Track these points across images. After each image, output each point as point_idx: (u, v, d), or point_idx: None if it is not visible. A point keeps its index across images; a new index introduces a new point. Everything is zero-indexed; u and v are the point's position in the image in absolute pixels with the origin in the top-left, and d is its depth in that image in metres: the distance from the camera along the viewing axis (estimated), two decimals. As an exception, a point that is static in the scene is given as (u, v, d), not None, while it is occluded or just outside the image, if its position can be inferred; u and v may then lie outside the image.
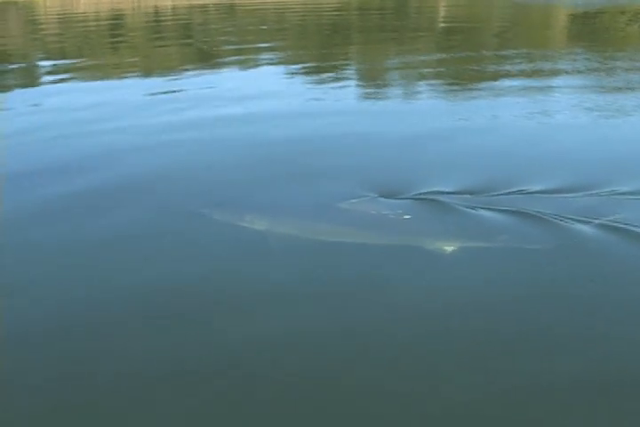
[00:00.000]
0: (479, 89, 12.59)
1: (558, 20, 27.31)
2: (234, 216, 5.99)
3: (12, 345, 4.35)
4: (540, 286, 4.90)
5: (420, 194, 6.43)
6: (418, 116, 10.27)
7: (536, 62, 15.49)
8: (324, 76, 14.43)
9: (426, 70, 14.92)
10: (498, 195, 6.38)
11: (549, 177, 6.91)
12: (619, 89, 12.13)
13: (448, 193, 6.42)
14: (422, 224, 5.85)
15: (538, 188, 6.55)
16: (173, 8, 37.45)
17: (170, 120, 10.14)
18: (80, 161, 8.05)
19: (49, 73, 15.56)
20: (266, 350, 4.22)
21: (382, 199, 6.35)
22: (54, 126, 9.89)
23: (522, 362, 4.07)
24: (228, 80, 14.02)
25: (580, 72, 14.09)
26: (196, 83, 13.70)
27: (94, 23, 29.41)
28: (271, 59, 17.15)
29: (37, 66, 17.30)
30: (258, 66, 16.08)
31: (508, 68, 14.75)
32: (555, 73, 14.33)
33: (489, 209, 6.04)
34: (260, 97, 11.91)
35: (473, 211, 6.04)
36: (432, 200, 6.28)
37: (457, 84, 13.17)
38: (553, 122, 9.86)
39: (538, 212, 5.93)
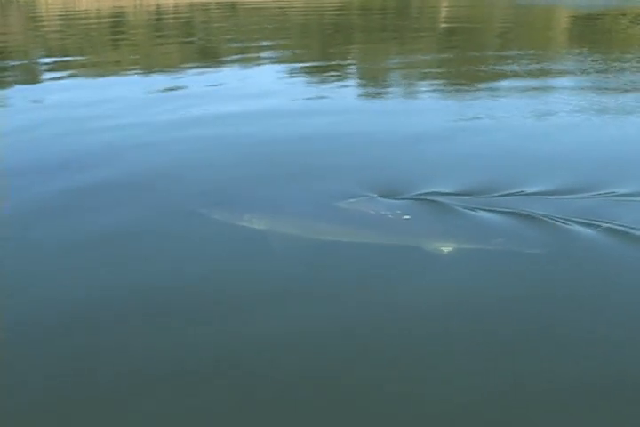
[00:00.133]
0: (480, 89, 12.60)
1: (560, 21, 27.32)
2: (233, 215, 5.99)
3: (11, 343, 4.35)
4: (536, 289, 4.90)
5: (419, 194, 6.43)
6: (418, 116, 10.28)
7: (537, 63, 15.49)
8: (325, 75, 14.44)
9: (427, 70, 14.93)
10: (497, 196, 6.38)
11: (549, 178, 6.91)
12: (619, 90, 12.14)
13: (447, 194, 6.43)
14: (420, 225, 5.85)
15: (537, 189, 6.56)
16: (175, 6, 37.44)
17: (170, 118, 10.14)
18: (80, 158, 8.04)
19: (50, 70, 15.56)
20: (264, 349, 4.23)
21: (381, 199, 6.36)
22: (55, 123, 9.89)
23: (519, 363, 4.08)
24: (229, 78, 14.02)
25: (580, 73, 14.10)
26: (196, 81, 13.70)
27: (95, 20, 29.39)
28: (272, 57, 17.15)
29: (38, 63, 17.30)
30: (259, 64, 16.08)
31: (508, 68, 14.76)
32: (555, 74, 14.34)
33: (487, 210, 6.04)
34: (260, 96, 11.92)
35: (472, 212, 6.04)
36: (431, 201, 6.29)
37: (457, 85, 13.18)
38: (553, 122, 9.86)
39: (536, 213, 5.93)
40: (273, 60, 16.68)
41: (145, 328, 4.46)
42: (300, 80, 13.98)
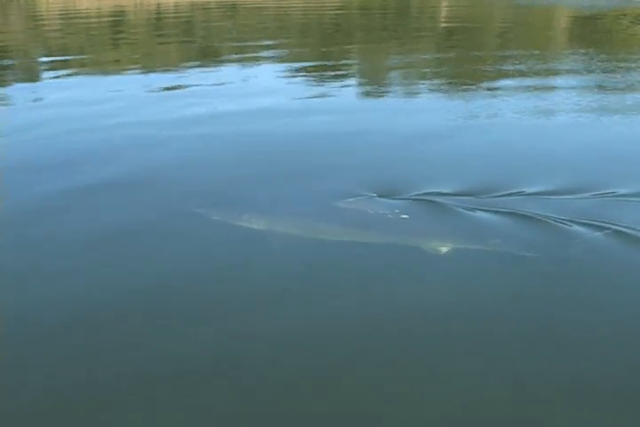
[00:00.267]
0: (479, 89, 12.60)
1: (560, 21, 27.31)
2: (231, 215, 6.00)
3: (11, 341, 4.36)
4: (533, 289, 4.91)
5: (418, 194, 6.44)
6: (417, 116, 10.28)
7: (537, 63, 15.49)
8: (325, 74, 14.43)
9: (426, 70, 14.94)
10: (496, 196, 6.38)
11: (548, 178, 6.92)
12: (619, 89, 12.15)
13: (446, 194, 6.43)
14: (418, 224, 5.86)
15: (536, 189, 6.56)
16: (176, 5, 37.43)
17: (170, 117, 10.14)
18: (81, 157, 8.05)
19: (50, 69, 15.56)
20: (263, 349, 4.23)
21: (380, 199, 6.36)
22: (55, 122, 9.89)
23: (518, 363, 4.09)
24: (230, 78, 14.01)
25: (580, 73, 14.11)
26: (197, 80, 13.70)
27: (96, 20, 29.38)
28: (272, 57, 17.14)
29: (39, 62, 17.30)
30: (259, 64, 16.07)
31: (507, 68, 14.76)
32: (555, 73, 14.35)
33: (486, 211, 6.05)
34: (260, 95, 11.91)
35: (470, 212, 6.04)
36: (430, 201, 6.29)
37: (457, 84, 13.18)
38: (553, 122, 9.87)
39: (535, 213, 5.94)
40: (273, 60, 16.67)
41: (145, 328, 4.47)
42: (300, 79, 13.98)
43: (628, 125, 9.70)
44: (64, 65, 15.91)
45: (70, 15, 31.08)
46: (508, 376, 3.96)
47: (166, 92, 12.48)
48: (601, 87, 12.46)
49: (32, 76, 15.31)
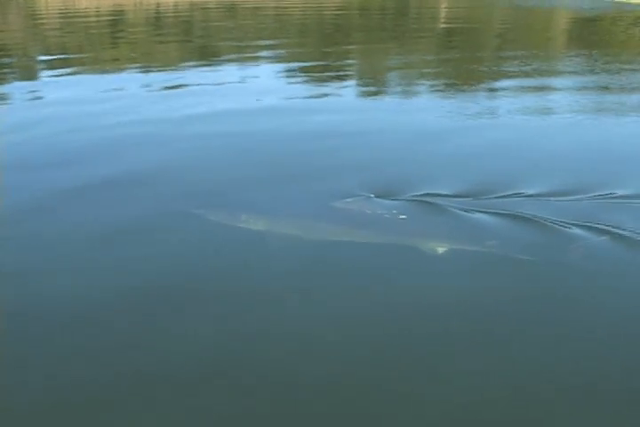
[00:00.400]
0: (478, 90, 12.63)
1: (559, 22, 27.33)
2: (229, 215, 5.99)
3: (11, 339, 4.37)
4: (530, 290, 4.93)
5: (416, 195, 6.45)
6: (416, 116, 10.29)
7: (536, 63, 15.49)
8: (324, 75, 14.44)
9: (425, 70, 14.95)
10: (494, 197, 6.39)
11: (547, 179, 6.93)
12: (618, 90, 12.17)
13: (444, 194, 6.44)
14: (416, 225, 5.87)
15: (535, 191, 6.57)
16: (175, 5, 37.41)
17: (168, 116, 10.15)
18: (80, 156, 8.05)
19: (49, 68, 15.55)
20: (263, 348, 4.24)
21: (378, 199, 6.37)
22: (53, 121, 9.89)
23: (518, 362, 4.10)
24: (228, 77, 14.00)
25: (580, 74, 14.13)
26: (195, 79, 13.69)
27: (95, 19, 29.36)
28: (271, 57, 17.14)
29: (37, 60, 17.28)
30: (258, 64, 16.06)
31: (506, 69, 14.77)
32: (554, 74, 14.39)
33: (484, 212, 6.06)
34: (259, 95, 11.91)
35: (468, 213, 6.05)
36: (428, 201, 6.30)
37: (456, 85, 13.19)
38: (552, 123, 9.90)
39: (531, 215, 5.95)
40: (272, 60, 16.66)
41: (144, 327, 4.47)
42: (299, 80, 13.99)
43: (627, 126, 9.71)
44: (63, 64, 15.90)
45: (69, 14, 31.06)
46: (508, 376, 3.97)
47: (165, 92, 12.47)
48: (600, 88, 12.48)
49: (31, 74, 15.30)
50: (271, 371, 4.03)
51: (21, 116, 10.39)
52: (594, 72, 14.23)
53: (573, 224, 5.77)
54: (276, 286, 4.99)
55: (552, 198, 6.40)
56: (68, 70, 15.02)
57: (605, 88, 12.47)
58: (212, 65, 16.08)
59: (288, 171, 7.38)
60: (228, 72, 14.94)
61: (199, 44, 20.98)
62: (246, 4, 36.82)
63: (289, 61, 16.43)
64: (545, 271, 5.17)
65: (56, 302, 4.76)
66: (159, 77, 14.14)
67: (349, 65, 16.75)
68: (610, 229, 5.68)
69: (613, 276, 5.12)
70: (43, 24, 27.29)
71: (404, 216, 6.00)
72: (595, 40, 21.22)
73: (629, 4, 31.32)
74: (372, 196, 6.44)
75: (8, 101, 11.90)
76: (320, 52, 18.81)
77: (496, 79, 13.70)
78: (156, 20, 30.71)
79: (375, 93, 12.82)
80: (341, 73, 14.84)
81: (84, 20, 28.38)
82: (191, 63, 16.25)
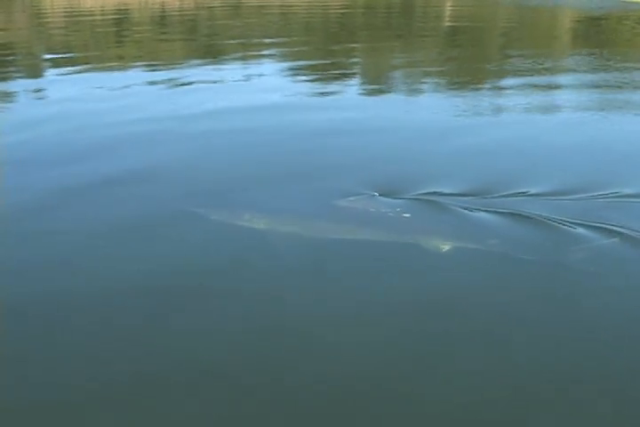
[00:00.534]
0: (482, 88, 12.62)
1: (564, 21, 27.28)
2: (233, 214, 5.99)
3: (10, 336, 4.38)
4: (530, 289, 4.92)
5: (420, 193, 6.44)
6: (420, 114, 10.29)
7: (541, 62, 15.46)
8: (329, 73, 14.43)
9: (430, 69, 14.93)
10: (498, 196, 6.38)
11: (551, 178, 6.93)
12: (624, 89, 12.14)
13: (448, 193, 6.44)
14: (418, 224, 5.86)
15: (539, 190, 6.56)
16: (180, 4, 37.43)
17: (172, 115, 10.15)
18: (84, 154, 8.06)
19: (54, 66, 15.56)
20: (264, 347, 4.24)
21: (381, 198, 6.37)
22: (57, 119, 9.90)
23: (518, 362, 4.09)
24: (233, 76, 14.00)
25: (585, 72, 14.10)
26: (200, 78, 13.68)
27: (100, 17, 29.41)
28: (276, 55, 17.14)
29: (43, 59, 17.30)
30: (263, 62, 16.05)
31: (511, 67, 14.76)
32: (559, 72, 14.37)
33: (487, 211, 6.05)
34: (263, 93, 11.91)
35: (471, 212, 6.04)
36: (431, 200, 6.29)
37: (461, 83, 13.17)
38: (557, 121, 9.89)
39: (534, 214, 5.94)
40: (277, 58, 16.68)
41: (145, 325, 4.47)
42: (304, 78, 13.97)
43: (633, 125, 9.69)
44: (68, 62, 15.91)
45: (75, 13, 31.10)
46: (508, 376, 3.96)
47: (170, 90, 12.48)
48: (606, 86, 12.45)
49: (36, 72, 15.32)
50: (271, 369, 4.02)
51: (26, 114, 10.41)
52: (599, 70, 14.19)
53: (577, 224, 5.76)
54: (279, 284, 4.99)
55: (557, 197, 6.39)
56: (74, 69, 15.03)
57: (611, 86, 12.44)
58: (217, 63, 16.07)
59: (292, 169, 7.38)
60: (233, 70, 14.93)
61: (204, 42, 20.98)
62: (251, 2, 36.80)
63: (294, 60, 16.42)
64: (547, 271, 5.16)
65: (57, 299, 4.77)
66: (164, 76, 14.14)
67: (354, 63, 16.74)
68: (614, 228, 5.66)
69: (616, 276, 5.11)
70: (48, 23, 27.33)
71: (407, 215, 5.99)
72: (600, 39, 21.17)
73: (636, 2, 31.23)
74: (376, 194, 6.44)
75: (14, 99, 11.93)
76: (325, 50, 18.80)
77: (501, 78, 13.68)
78: (161, 19, 30.73)
79: (380, 92, 12.81)
80: (346, 71, 14.83)
81: (90, 18, 28.42)
82: (196, 61, 16.25)
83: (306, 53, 17.78)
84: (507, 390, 3.85)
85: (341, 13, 30.48)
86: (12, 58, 17.28)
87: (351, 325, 4.47)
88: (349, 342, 4.29)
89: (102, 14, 31.13)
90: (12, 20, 29.50)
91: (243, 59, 16.79)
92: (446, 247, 5.42)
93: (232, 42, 20.50)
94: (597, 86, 12.48)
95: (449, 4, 35.02)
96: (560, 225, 5.75)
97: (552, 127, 9.52)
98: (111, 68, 15.50)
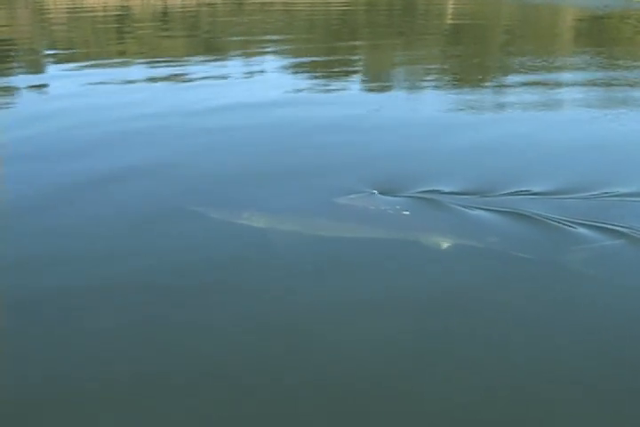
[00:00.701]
0: (484, 86, 12.61)
1: (566, 19, 27.25)
2: (232, 212, 5.98)
3: (10, 332, 4.39)
4: (530, 289, 4.92)
5: (420, 191, 6.44)
6: (421, 112, 10.28)
7: (543, 60, 15.44)
8: (331, 70, 14.41)
9: (432, 66, 14.92)
10: (497, 195, 6.37)
11: (551, 177, 6.91)
12: (626, 87, 12.12)
13: (448, 191, 6.43)
14: (418, 221, 5.86)
15: (538, 188, 6.54)
16: (182, 1, 37.40)
17: (173, 111, 10.16)
18: (86, 150, 8.05)
19: (57, 62, 15.59)
20: (265, 345, 4.24)
21: (381, 195, 6.37)
22: (59, 115, 9.91)
23: (517, 362, 4.09)
24: (234, 73, 14.01)
25: (587, 70, 14.08)
26: (202, 74, 13.68)
27: (102, 14, 29.40)
28: (278, 52, 17.14)
29: (45, 55, 17.31)
30: (264, 59, 16.06)
31: (513, 65, 14.74)
32: (561, 70, 14.35)
33: (486, 209, 6.04)
34: (265, 90, 11.92)
35: (470, 210, 6.04)
36: (430, 198, 6.29)
37: (462, 81, 13.17)
38: (558, 119, 9.87)
39: (534, 213, 5.93)
40: (279, 55, 16.66)
41: (144, 322, 4.47)
42: (305, 75, 13.95)
43: (635, 123, 9.67)
44: (71, 58, 15.94)
45: (77, 9, 31.10)
46: (507, 376, 3.95)
47: (172, 86, 12.50)
48: (608, 84, 12.43)
49: (39, 68, 15.34)
50: (271, 368, 4.02)
51: (29, 110, 10.43)
52: (602, 69, 14.18)
53: (577, 223, 5.75)
54: (279, 282, 4.98)
55: (557, 196, 6.38)
56: (76, 65, 15.04)
57: (613, 85, 12.42)
58: (219, 60, 16.08)
59: (291, 166, 7.37)
60: (235, 67, 14.94)
61: (206, 39, 20.97)
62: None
63: (296, 57, 16.41)
64: (547, 269, 5.15)
65: (56, 295, 4.77)
66: (166, 72, 14.15)
67: (356, 61, 16.73)
68: (615, 227, 5.66)
69: (616, 275, 5.10)
70: (50, 19, 27.35)
71: (407, 212, 6.00)
72: (603, 37, 21.14)
73: (639, 1, 31.19)
74: (376, 192, 6.44)
75: (16, 95, 11.94)
76: (327, 47, 18.79)
77: (502, 75, 13.67)
78: (163, 16, 30.72)
79: (381, 89, 12.81)
80: (348, 69, 14.82)
81: (92, 15, 28.43)
82: (198, 58, 16.26)
83: (308, 50, 17.77)
84: (506, 388, 3.84)
85: (344, 11, 30.45)
86: (14, 54, 17.30)
87: (351, 323, 4.47)
88: (349, 340, 4.29)
89: (104, 11, 31.13)
90: (15, 17, 29.51)
91: (245, 56, 16.79)
92: (446, 245, 5.44)
93: (234, 39, 20.51)
94: (599, 84, 12.46)
95: (451, 1, 34.98)
96: (560, 224, 5.75)
97: (554, 125, 9.50)
98: (113, 65, 15.50)
